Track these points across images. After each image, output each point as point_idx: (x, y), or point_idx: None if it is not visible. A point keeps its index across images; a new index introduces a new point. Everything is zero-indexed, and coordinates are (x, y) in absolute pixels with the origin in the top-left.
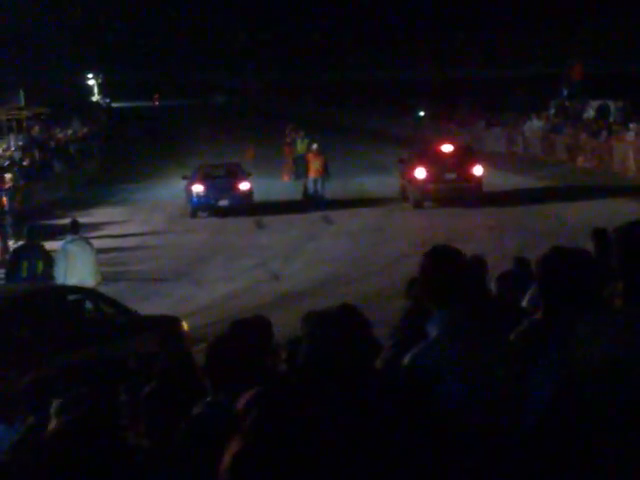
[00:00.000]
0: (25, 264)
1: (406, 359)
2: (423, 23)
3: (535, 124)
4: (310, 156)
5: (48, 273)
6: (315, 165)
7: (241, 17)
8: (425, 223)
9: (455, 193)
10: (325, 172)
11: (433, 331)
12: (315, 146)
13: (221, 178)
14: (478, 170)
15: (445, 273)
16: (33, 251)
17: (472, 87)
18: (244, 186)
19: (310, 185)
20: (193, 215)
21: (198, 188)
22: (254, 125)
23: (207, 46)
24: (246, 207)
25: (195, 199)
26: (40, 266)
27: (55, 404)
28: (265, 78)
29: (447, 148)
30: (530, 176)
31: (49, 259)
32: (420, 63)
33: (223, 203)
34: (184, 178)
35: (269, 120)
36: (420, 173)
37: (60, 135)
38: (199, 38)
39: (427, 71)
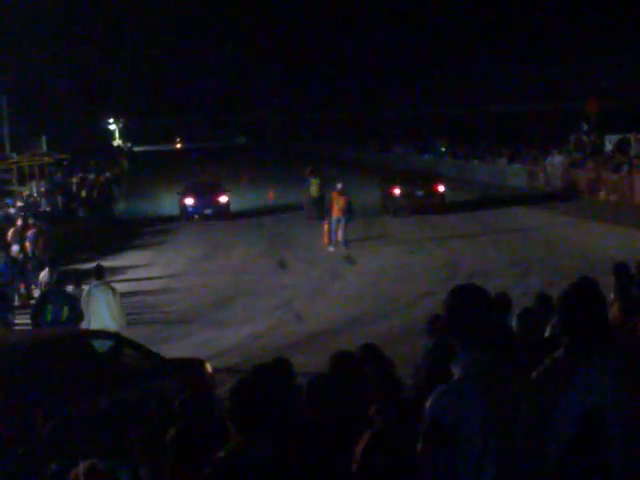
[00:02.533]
0: (50, 308)
1: (429, 402)
2: (444, 58)
3: (556, 159)
4: (334, 195)
5: (72, 319)
6: (338, 204)
7: (261, 57)
8: (447, 260)
9: (423, 206)
10: (349, 211)
11: (457, 371)
12: (340, 185)
13: (206, 193)
14: (441, 188)
15: (470, 312)
16: (60, 297)
17: (493, 122)
18: (223, 199)
19: (333, 225)
20: (186, 220)
21: (189, 201)
22: (275, 165)
23: (228, 88)
24: (225, 215)
25: (189, 209)
26: (65, 312)
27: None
28: (285, 118)
29: (417, 172)
30: (552, 211)
31: (74, 305)
32: (441, 99)
33: (207, 211)
34: (178, 193)
35: (290, 160)
36: (396, 190)
37: (80, 180)
38: (220, 81)
39: (448, 107)
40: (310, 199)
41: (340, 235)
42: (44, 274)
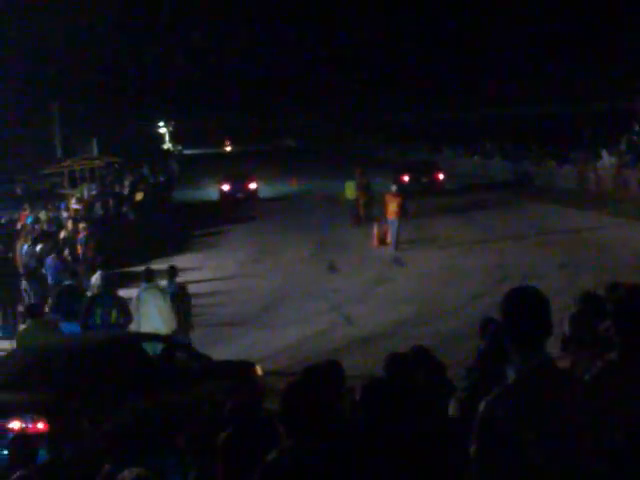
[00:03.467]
0: (99, 311)
1: (482, 404)
2: (491, 60)
3: (607, 160)
4: (388, 197)
5: (121, 321)
6: (392, 206)
7: (309, 59)
8: (497, 262)
9: (426, 190)
10: (403, 213)
11: (511, 374)
12: (394, 187)
13: (239, 180)
14: (441, 176)
15: (526, 315)
16: (108, 299)
17: (542, 124)
18: (252, 185)
19: (390, 226)
20: (222, 199)
21: (226, 187)
22: (323, 168)
23: (277, 91)
24: (254, 198)
25: (226, 192)
26: (113, 315)
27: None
28: (334, 120)
29: (422, 163)
30: (603, 212)
31: (123, 308)
32: (490, 101)
33: (239, 195)
34: (218, 182)
35: (339, 162)
36: (405, 177)
37: (132, 183)
38: (270, 83)
39: (498, 109)
40: (346, 202)
41: (392, 237)
42: (96, 277)
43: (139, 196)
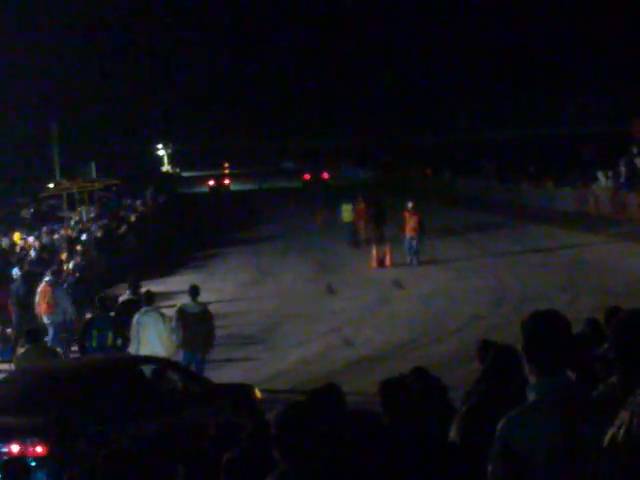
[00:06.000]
0: (95, 334)
1: (500, 423)
2: (490, 83)
3: (603, 182)
4: (406, 214)
5: (118, 344)
6: (410, 223)
7: (314, 81)
8: (494, 283)
9: (317, 182)
10: (421, 230)
11: (532, 395)
12: (410, 204)
13: (219, 178)
14: (326, 175)
15: (550, 338)
16: (104, 322)
17: (540, 146)
18: (226, 181)
19: (406, 244)
20: (209, 191)
21: (211, 182)
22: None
23: (276, 113)
24: (226, 189)
25: (212, 187)
26: (110, 337)
27: None
28: (338, 141)
29: (316, 166)
30: (601, 234)
31: (119, 330)
32: (487, 123)
33: (219, 187)
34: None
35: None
36: (306, 176)
37: (131, 205)
38: (269, 106)
39: (495, 131)
40: (342, 225)
41: (411, 253)
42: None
43: (139, 218)
